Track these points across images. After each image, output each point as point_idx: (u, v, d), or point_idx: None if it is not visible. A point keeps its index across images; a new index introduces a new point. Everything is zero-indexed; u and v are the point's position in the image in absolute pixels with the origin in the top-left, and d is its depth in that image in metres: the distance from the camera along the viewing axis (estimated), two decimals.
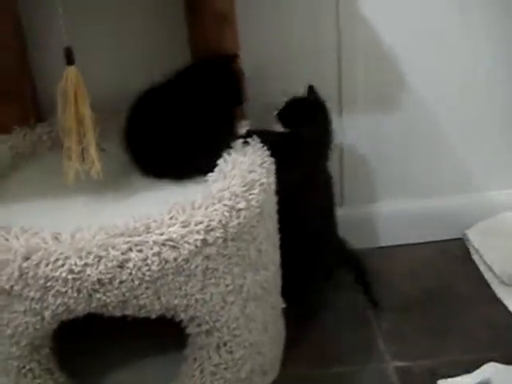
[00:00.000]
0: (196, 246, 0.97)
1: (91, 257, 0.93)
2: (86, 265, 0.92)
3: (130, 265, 0.93)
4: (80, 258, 0.92)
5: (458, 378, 1.21)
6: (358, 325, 1.40)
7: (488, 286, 1.50)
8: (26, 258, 0.93)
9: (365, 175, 1.64)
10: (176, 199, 1.03)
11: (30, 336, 1.00)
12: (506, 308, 1.41)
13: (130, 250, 0.94)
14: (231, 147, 1.17)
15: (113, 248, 0.93)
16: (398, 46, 1.51)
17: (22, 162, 1.30)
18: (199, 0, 1.30)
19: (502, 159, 1.66)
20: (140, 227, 0.96)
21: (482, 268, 1.56)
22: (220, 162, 1.14)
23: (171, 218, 0.98)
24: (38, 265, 0.92)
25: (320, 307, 1.44)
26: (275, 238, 1.20)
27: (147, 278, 0.95)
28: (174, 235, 0.96)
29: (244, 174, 1.08)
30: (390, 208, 1.67)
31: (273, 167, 1.17)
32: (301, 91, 1.34)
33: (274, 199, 1.17)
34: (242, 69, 1.27)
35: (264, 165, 1.14)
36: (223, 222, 1.00)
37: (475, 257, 1.60)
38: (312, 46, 1.50)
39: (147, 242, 0.95)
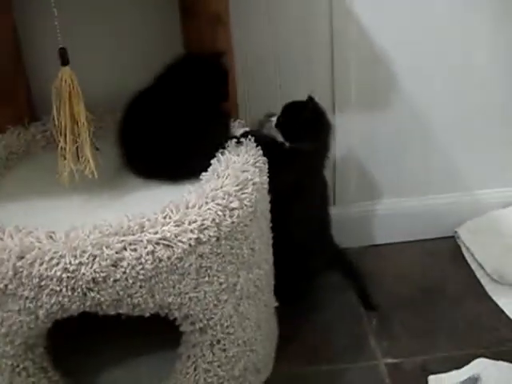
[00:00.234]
0: (190, 245, 0.97)
1: (86, 256, 0.93)
2: (80, 264, 0.93)
3: (124, 263, 0.94)
4: (74, 256, 0.93)
5: (448, 374, 1.23)
6: (349, 323, 1.42)
7: (479, 283, 1.51)
8: (21, 257, 0.93)
9: (356, 174, 1.65)
10: (170, 198, 1.03)
11: (25, 335, 1.00)
12: (496, 305, 1.43)
13: (124, 248, 0.94)
14: (224, 148, 1.18)
15: (107, 247, 0.94)
16: (390, 46, 1.52)
17: (15, 162, 1.30)
18: (193, 1, 1.30)
19: (492, 158, 1.67)
20: (134, 226, 0.96)
21: (472, 266, 1.57)
22: (213, 161, 1.14)
23: (165, 217, 0.99)
24: (32, 264, 0.92)
25: (312, 306, 1.46)
26: (268, 237, 1.21)
27: (141, 277, 0.95)
28: (168, 234, 0.96)
29: (237, 173, 1.09)
30: (381, 207, 1.68)
31: (266, 167, 1.17)
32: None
33: (266, 198, 1.18)
34: (229, 66, 1.26)
35: (257, 164, 1.15)
36: (216, 220, 1.00)
37: (466, 255, 1.62)
38: (305, 46, 1.51)
39: (141, 240, 0.95)
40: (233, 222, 1.03)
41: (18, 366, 1.05)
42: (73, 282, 0.93)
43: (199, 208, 1.01)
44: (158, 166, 1.18)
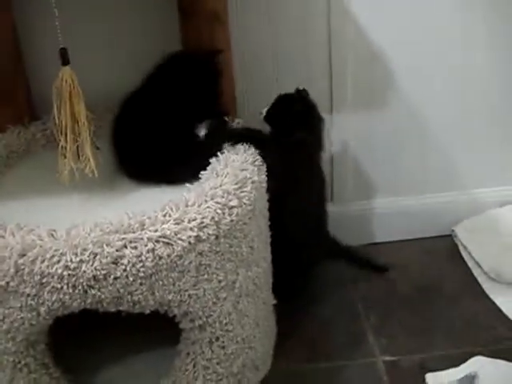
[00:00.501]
0: (189, 243, 0.98)
1: (86, 253, 0.94)
2: (81, 261, 0.93)
3: (125, 261, 0.95)
4: (75, 254, 0.93)
5: (446, 372, 1.24)
6: (347, 320, 1.43)
7: (476, 282, 1.52)
8: (22, 255, 0.94)
9: (354, 173, 1.65)
10: (170, 197, 1.04)
11: (26, 331, 1.01)
12: (493, 303, 1.44)
13: (125, 246, 0.95)
14: (219, 151, 1.18)
15: (107, 245, 0.94)
16: (387, 46, 1.52)
17: (16, 160, 1.31)
18: (192, 0, 1.31)
19: (489, 157, 1.68)
20: (134, 224, 0.97)
21: (470, 264, 1.58)
22: (212, 160, 1.15)
23: (165, 215, 0.99)
24: (33, 261, 0.93)
25: (310, 303, 1.46)
26: (266, 235, 1.22)
27: (141, 274, 0.96)
28: (168, 232, 0.97)
29: (236, 171, 1.10)
30: (378, 205, 1.69)
31: (264, 165, 1.19)
32: (291, 90, 1.35)
33: (265, 197, 1.18)
34: (221, 64, 1.26)
35: (256, 163, 1.16)
36: (216, 219, 1.01)
37: (463, 253, 1.63)
38: (303, 45, 1.51)
39: (141, 238, 0.96)
40: (232, 221, 1.04)
41: (19, 362, 1.05)
42: (74, 279, 0.94)
43: (199, 206, 1.01)
44: (149, 171, 1.19)
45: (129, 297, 0.98)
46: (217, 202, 1.03)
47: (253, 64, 1.49)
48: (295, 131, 1.29)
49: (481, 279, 1.52)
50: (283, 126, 1.31)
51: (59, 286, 0.94)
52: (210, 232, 1.01)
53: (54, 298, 0.95)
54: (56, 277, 0.94)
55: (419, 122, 1.61)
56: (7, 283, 0.94)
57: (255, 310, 1.17)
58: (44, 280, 0.94)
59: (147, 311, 1.02)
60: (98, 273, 0.94)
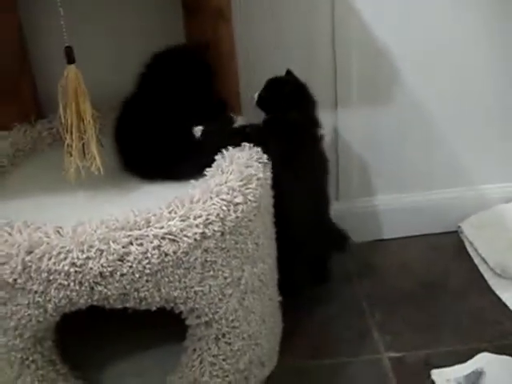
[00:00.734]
0: (195, 240, 0.99)
1: (93, 250, 0.94)
2: (87, 258, 0.94)
3: (131, 258, 0.95)
4: (82, 251, 0.94)
5: (452, 368, 1.23)
6: (352, 317, 1.43)
7: (482, 277, 1.52)
8: (29, 252, 0.94)
9: (359, 170, 1.65)
10: (175, 194, 1.05)
11: (33, 328, 1.02)
12: (499, 299, 1.44)
13: (131, 243, 0.96)
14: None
15: (114, 242, 0.95)
16: (392, 42, 1.52)
17: (22, 159, 1.32)
18: None
19: (495, 153, 1.68)
20: (140, 221, 0.98)
21: (476, 260, 1.58)
22: (218, 157, 1.16)
23: (170, 212, 1.00)
24: (40, 258, 0.94)
25: (315, 300, 1.46)
26: (272, 232, 1.22)
27: (147, 271, 0.97)
28: (174, 229, 0.97)
29: (241, 168, 1.10)
30: (384, 202, 1.69)
31: (269, 163, 1.18)
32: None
33: (270, 193, 1.19)
34: (210, 60, 1.26)
35: (261, 160, 1.16)
36: (221, 215, 1.02)
37: (469, 249, 1.62)
38: (307, 41, 1.52)
39: (147, 235, 0.96)
40: (237, 217, 1.04)
41: (27, 358, 1.06)
42: (80, 276, 0.95)
43: (204, 203, 1.02)
44: (150, 168, 1.19)
45: (135, 293, 0.98)
46: (222, 199, 1.03)
47: (256, 60, 1.49)
48: (288, 113, 1.29)
49: (487, 275, 1.52)
50: (275, 108, 1.30)
51: (66, 282, 0.95)
52: (216, 229, 1.01)
53: (60, 295, 0.96)
54: (63, 274, 0.94)
55: (425, 118, 1.61)
56: (15, 280, 0.95)
57: (261, 307, 1.17)
58: (51, 277, 0.95)
59: (153, 308, 1.03)
60: (105, 269, 0.95)
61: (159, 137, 1.17)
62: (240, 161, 1.13)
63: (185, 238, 0.98)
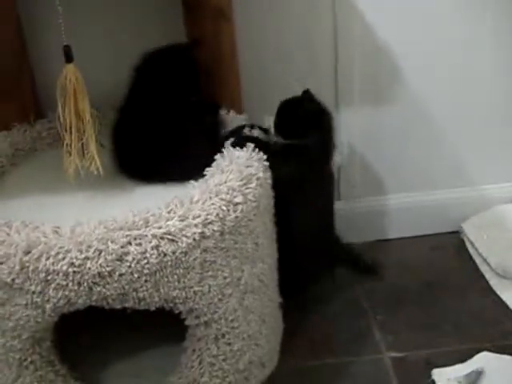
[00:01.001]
0: (194, 239, 0.98)
1: (91, 250, 0.94)
2: (86, 258, 0.94)
3: (129, 258, 0.95)
4: (80, 251, 0.94)
5: (453, 368, 1.23)
6: (353, 316, 1.42)
7: (483, 278, 1.51)
8: (27, 252, 0.94)
9: (361, 170, 1.65)
10: (174, 194, 1.04)
11: (32, 329, 1.01)
12: (500, 299, 1.43)
13: (129, 243, 0.95)
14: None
15: (112, 241, 0.95)
16: (394, 41, 1.52)
17: (21, 159, 1.31)
18: None
19: (497, 153, 1.67)
20: (139, 221, 0.97)
21: (477, 260, 1.57)
22: (217, 156, 1.15)
23: (169, 212, 0.99)
24: (38, 258, 0.93)
25: (317, 300, 1.46)
26: (272, 232, 1.22)
27: (146, 271, 0.96)
28: (173, 229, 0.97)
29: (241, 168, 1.10)
30: (386, 202, 1.68)
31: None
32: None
33: (270, 193, 1.18)
34: (200, 57, 1.25)
35: (261, 159, 1.15)
36: (220, 215, 1.01)
37: (471, 250, 1.62)
38: (308, 41, 1.51)
39: (146, 235, 0.96)
40: (237, 217, 1.04)
41: (25, 359, 1.06)
42: (79, 276, 0.94)
43: (203, 203, 1.01)
44: (144, 170, 1.18)
45: (134, 293, 0.98)
46: (221, 199, 1.03)
47: (258, 61, 1.49)
48: (302, 137, 1.28)
49: (488, 275, 1.51)
50: (291, 135, 1.29)
51: (64, 283, 0.95)
52: (215, 228, 1.01)
53: (59, 295, 0.96)
54: (61, 274, 0.94)
55: (427, 118, 1.61)
56: (12, 280, 0.95)
57: (261, 307, 1.17)
58: (49, 277, 0.94)
59: (153, 308, 1.02)
60: (103, 270, 0.94)
61: (150, 139, 1.17)
62: (240, 160, 1.12)
63: (184, 238, 0.97)
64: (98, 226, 0.97)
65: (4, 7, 1.32)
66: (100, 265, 0.94)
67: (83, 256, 0.94)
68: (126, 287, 0.97)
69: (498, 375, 1.19)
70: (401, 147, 1.64)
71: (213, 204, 1.01)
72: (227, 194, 1.04)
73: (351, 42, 1.52)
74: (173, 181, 1.14)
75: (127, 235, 0.95)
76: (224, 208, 1.02)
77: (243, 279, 1.10)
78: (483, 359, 1.23)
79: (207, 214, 1.00)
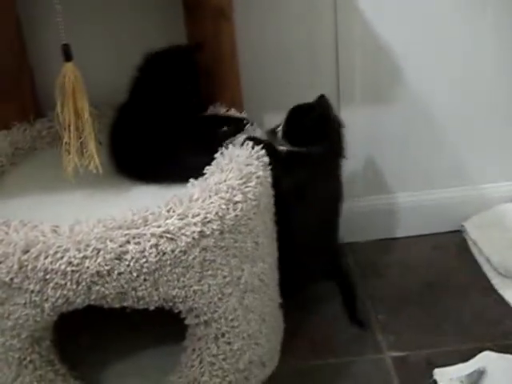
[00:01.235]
0: (193, 238, 0.98)
1: (90, 249, 0.94)
2: (84, 257, 0.93)
3: (128, 257, 0.94)
4: (79, 250, 0.94)
5: (454, 367, 1.22)
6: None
7: (485, 277, 1.51)
8: (26, 251, 0.94)
9: (362, 169, 1.65)
10: (173, 192, 1.04)
11: (31, 328, 1.01)
12: (502, 299, 1.43)
13: (128, 242, 0.95)
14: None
15: (111, 240, 0.94)
16: (395, 41, 1.51)
17: (21, 158, 1.31)
18: None
19: (498, 152, 1.66)
20: (138, 220, 0.97)
21: (479, 260, 1.57)
22: (217, 155, 1.15)
23: (168, 211, 0.99)
24: (37, 257, 0.93)
25: (318, 300, 1.46)
26: (272, 231, 1.21)
27: (145, 270, 0.96)
28: (172, 227, 0.97)
29: (241, 166, 1.09)
30: (387, 201, 1.68)
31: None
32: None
33: (270, 192, 1.18)
34: (201, 59, 1.25)
35: (260, 158, 1.15)
36: (220, 214, 1.01)
37: (473, 249, 1.61)
38: (310, 41, 1.51)
39: (145, 234, 0.95)
40: (236, 216, 1.03)
41: (24, 358, 1.05)
42: (77, 275, 0.94)
43: (203, 201, 1.01)
44: (139, 171, 1.18)
45: (133, 292, 0.98)
46: (221, 197, 1.02)
47: (259, 61, 1.49)
48: (310, 145, 1.27)
49: (490, 275, 1.51)
50: (299, 141, 1.28)
51: (63, 282, 0.94)
52: (215, 227, 1.00)
53: (57, 295, 0.95)
54: (59, 273, 0.94)
55: (428, 117, 1.60)
56: (11, 279, 0.95)
57: (261, 306, 1.17)
58: (47, 276, 0.94)
59: (152, 307, 1.02)
60: (102, 268, 0.94)
61: (147, 139, 1.17)
62: (239, 159, 1.12)
63: (183, 237, 0.97)
64: (97, 225, 0.96)
65: (4, 7, 1.32)
66: (99, 264, 0.94)
67: (82, 255, 0.94)
68: (125, 286, 0.96)
69: (500, 375, 1.19)
70: (402, 147, 1.63)
71: (212, 203, 1.01)
72: (227, 192, 1.03)
73: (352, 42, 1.51)
74: (168, 182, 1.14)
75: (126, 234, 0.95)
76: (224, 207, 1.02)
77: (243, 278, 1.09)
78: (485, 359, 1.22)
79: (207, 213, 1.00)
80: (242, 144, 1.18)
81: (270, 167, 1.17)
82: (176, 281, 1.00)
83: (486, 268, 1.53)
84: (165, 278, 0.98)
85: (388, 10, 1.48)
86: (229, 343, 1.11)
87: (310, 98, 1.32)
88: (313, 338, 1.36)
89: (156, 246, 0.95)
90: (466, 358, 1.24)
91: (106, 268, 0.94)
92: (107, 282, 0.95)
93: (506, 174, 1.69)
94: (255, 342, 1.16)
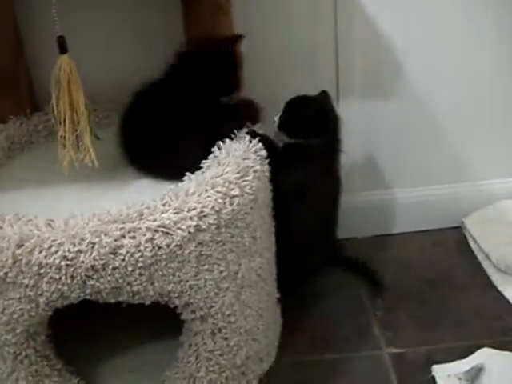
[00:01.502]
0: (189, 232, 0.97)
1: (84, 243, 0.93)
2: (79, 251, 0.93)
3: (123, 251, 0.94)
4: (73, 244, 0.93)
5: (453, 364, 1.22)
6: (353, 312, 1.41)
7: (485, 273, 1.50)
8: (20, 245, 0.93)
9: (361, 164, 1.64)
10: (170, 186, 1.03)
11: (26, 323, 1.00)
12: (501, 295, 1.42)
13: (123, 236, 0.94)
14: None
15: (106, 234, 0.94)
16: (395, 35, 1.51)
17: (17, 152, 1.31)
18: None
19: (498, 148, 1.66)
20: (133, 214, 0.96)
21: (479, 256, 1.56)
22: (214, 149, 1.13)
23: (164, 205, 0.98)
24: (31, 252, 0.93)
25: (316, 295, 1.45)
26: (270, 225, 1.21)
27: (140, 265, 0.95)
28: (167, 221, 0.96)
29: (238, 160, 1.08)
30: (386, 197, 1.67)
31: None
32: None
33: (268, 186, 1.17)
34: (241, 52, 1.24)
35: (258, 152, 1.14)
36: (216, 208, 1.00)
37: (472, 245, 1.61)
38: (310, 36, 1.50)
39: (140, 228, 0.95)
40: (233, 210, 1.02)
41: (20, 353, 1.05)
42: (72, 269, 0.93)
43: (199, 195, 1.00)
44: (158, 165, 1.17)
45: (128, 287, 0.97)
46: (218, 191, 1.01)
47: (259, 57, 1.48)
48: (307, 138, 1.27)
49: (490, 271, 1.50)
50: (296, 133, 1.28)
51: (57, 276, 0.94)
52: (211, 221, 0.99)
53: (52, 289, 0.95)
54: (54, 267, 0.93)
55: (428, 112, 1.60)
56: (5, 274, 0.94)
57: (258, 302, 1.16)
58: (42, 270, 0.93)
59: (147, 302, 1.02)
60: (97, 263, 0.93)
61: (155, 130, 1.15)
62: (237, 153, 1.11)
63: (178, 231, 0.96)
64: (92, 219, 0.96)
65: (1, 2, 1.32)
66: (93, 258, 0.93)
67: (76, 249, 0.93)
68: (120, 281, 0.96)
69: (499, 371, 1.18)
70: (402, 142, 1.63)
71: (209, 197, 1.00)
72: (223, 186, 1.02)
73: (352, 39, 1.50)
74: (167, 176, 1.13)
75: (121, 228, 0.94)
76: (220, 201, 1.01)
77: (240, 273, 1.08)
78: (484, 355, 1.22)
79: (203, 207, 0.99)
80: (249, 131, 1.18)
81: (267, 161, 1.16)
82: (172, 275, 0.99)
83: (485, 264, 1.52)
84: (160, 273, 0.97)
85: (388, 8, 1.48)
86: (226, 339, 1.10)
87: (309, 94, 1.31)
88: (311, 334, 1.35)
89: (151, 240, 0.95)
90: (464, 354, 1.23)
91: (101, 262, 0.93)
92: (102, 277, 0.94)
93: (507, 170, 1.68)
94: (252, 338, 1.16)
